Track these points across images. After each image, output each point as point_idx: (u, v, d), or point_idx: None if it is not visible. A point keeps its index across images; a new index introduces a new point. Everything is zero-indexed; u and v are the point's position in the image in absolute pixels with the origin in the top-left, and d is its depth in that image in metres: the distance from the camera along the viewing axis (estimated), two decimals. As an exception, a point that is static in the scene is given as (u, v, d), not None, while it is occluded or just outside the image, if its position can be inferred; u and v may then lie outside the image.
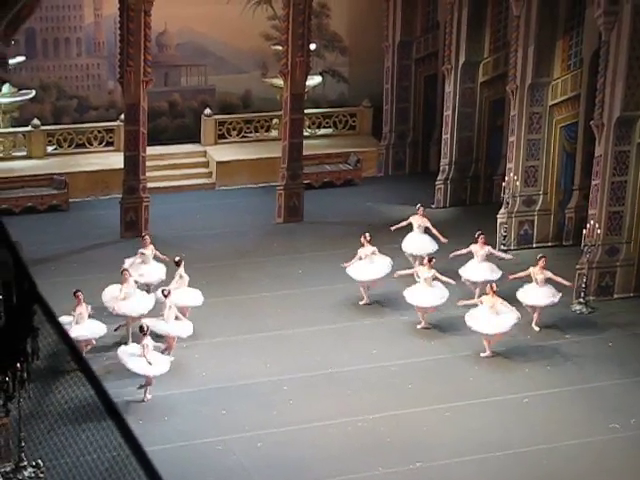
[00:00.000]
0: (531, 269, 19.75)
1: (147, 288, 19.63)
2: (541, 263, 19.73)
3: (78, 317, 17.61)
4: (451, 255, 20.78)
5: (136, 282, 19.11)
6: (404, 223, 21.69)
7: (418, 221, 21.59)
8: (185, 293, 19.35)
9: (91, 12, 27.57)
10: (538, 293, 19.68)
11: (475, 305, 19.10)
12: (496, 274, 20.36)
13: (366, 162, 27.89)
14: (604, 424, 16.78)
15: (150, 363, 17.06)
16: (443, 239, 21.31)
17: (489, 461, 15.81)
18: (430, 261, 19.82)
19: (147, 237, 20.47)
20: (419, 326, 19.81)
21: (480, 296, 19.52)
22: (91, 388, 4.81)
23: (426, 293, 19.68)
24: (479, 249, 20.58)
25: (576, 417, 17.08)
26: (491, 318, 18.66)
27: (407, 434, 16.44)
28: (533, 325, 19.70)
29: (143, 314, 18.53)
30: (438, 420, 16.83)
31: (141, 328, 17.45)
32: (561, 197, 23.51)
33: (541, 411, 17.18)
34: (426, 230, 21.54)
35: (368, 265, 20.54)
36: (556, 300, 19.66)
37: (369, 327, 19.85)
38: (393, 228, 21.73)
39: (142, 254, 19.92)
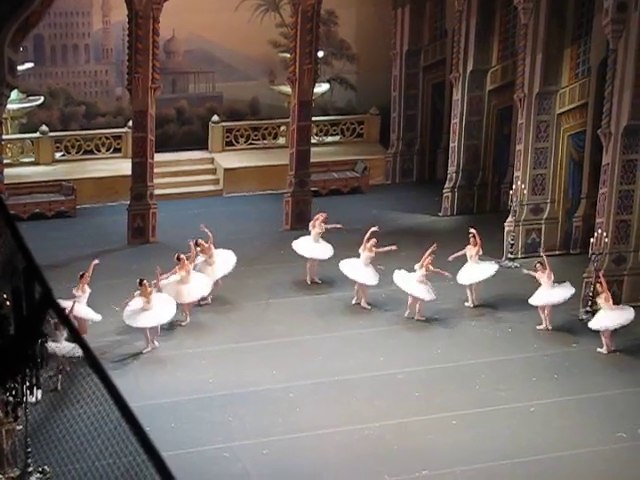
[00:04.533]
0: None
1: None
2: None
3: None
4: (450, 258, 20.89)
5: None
6: (459, 253, 21.23)
7: (471, 251, 21.14)
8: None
9: (99, 19, 27.64)
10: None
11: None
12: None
13: (373, 170, 27.91)
14: (611, 433, 16.74)
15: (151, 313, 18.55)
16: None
17: (496, 469, 15.78)
18: (370, 241, 20.69)
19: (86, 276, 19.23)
20: (353, 301, 20.84)
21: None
22: (107, 394, 4.83)
23: (363, 270, 20.65)
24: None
25: (583, 426, 17.04)
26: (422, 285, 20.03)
27: (413, 442, 16.42)
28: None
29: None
30: (445, 428, 16.81)
31: (140, 282, 18.62)
32: (568, 205, 23.49)
33: (548, 420, 17.15)
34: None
35: (314, 244, 21.55)
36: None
37: (376, 334, 19.84)
38: (451, 258, 21.05)
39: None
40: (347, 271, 20.83)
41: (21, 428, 14.52)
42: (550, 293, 20.08)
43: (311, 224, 21.97)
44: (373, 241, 20.73)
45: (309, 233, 21.91)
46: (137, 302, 18.77)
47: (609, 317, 19.31)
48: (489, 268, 20.97)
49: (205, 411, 17.11)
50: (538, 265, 20.40)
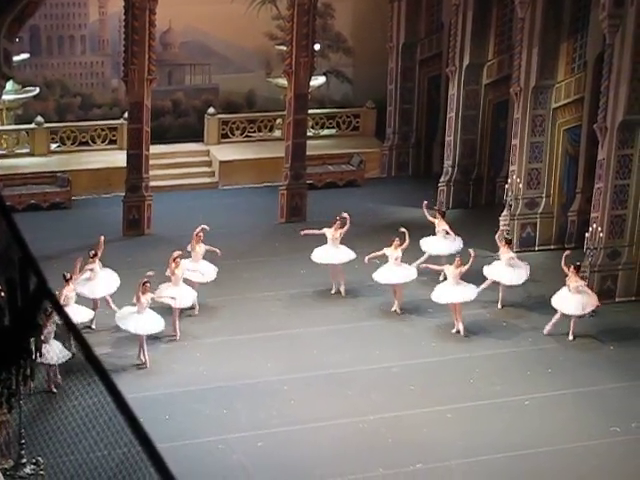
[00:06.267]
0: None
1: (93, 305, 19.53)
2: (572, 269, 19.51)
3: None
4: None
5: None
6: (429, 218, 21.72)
7: (438, 226, 21.53)
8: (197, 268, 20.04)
9: (96, 10, 27.61)
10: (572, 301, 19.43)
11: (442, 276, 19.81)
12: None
13: (369, 163, 27.90)
14: (605, 427, 16.77)
15: (142, 320, 17.92)
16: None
17: (490, 463, 15.81)
18: (397, 242, 20.23)
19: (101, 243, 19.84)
20: (393, 308, 20.27)
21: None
22: (103, 386, 4.82)
23: (395, 272, 20.09)
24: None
25: (577, 420, 17.07)
26: (455, 289, 19.39)
27: (408, 435, 16.43)
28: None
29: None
30: (439, 422, 16.83)
31: (144, 283, 18.08)
32: (564, 200, 23.50)
33: (542, 414, 17.17)
34: (446, 233, 21.54)
35: (333, 250, 20.83)
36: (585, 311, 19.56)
37: (371, 328, 19.84)
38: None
39: (91, 270, 19.40)
40: (384, 280, 20.19)
41: (15, 419, 14.53)
42: (504, 271, 20.27)
43: (330, 232, 20.98)
44: (397, 240, 20.25)
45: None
46: (129, 307, 18.35)
47: (574, 303, 19.34)
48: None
49: (200, 403, 17.11)
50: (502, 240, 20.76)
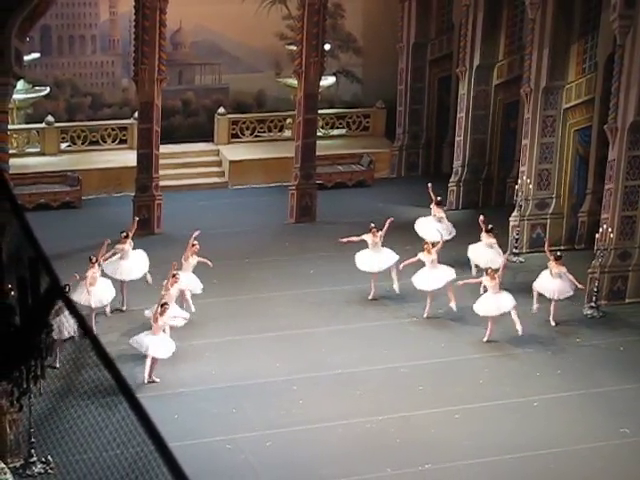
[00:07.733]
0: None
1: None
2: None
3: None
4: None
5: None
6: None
7: (434, 212, 22.19)
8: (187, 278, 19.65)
9: (106, 9, 27.65)
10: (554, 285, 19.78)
11: (479, 286, 19.61)
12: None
13: (379, 163, 27.89)
14: (614, 428, 16.74)
15: (155, 343, 17.55)
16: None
17: (498, 464, 15.79)
18: (432, 245, 20.25)
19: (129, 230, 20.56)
20: (424, 315, 20.10)
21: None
22: (116, 386, 4.83)
23: (433, 276, 19.98)
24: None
25: (586, 421, 17.05)
26: (494, 300, 19.15)
27: (416, 436, 16.43)
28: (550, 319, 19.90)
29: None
30: (448, 422, 16.82)
31: (163, 305, 17.73)
32: (574, 201, 23.47)
33: (551, 415, 17.15)
34: (441, 220, 22.11)
35: (377, 256, 20.72)
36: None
37: (380, 328, 19.84)
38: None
39: (122, 250, 20.01)
40: (423, 286, 19.99)
41: (26, 417, 14.55)
42: (483, 253, 20.81)
43: (369, 237, 20.73)
44: (428, 244, 20.29)
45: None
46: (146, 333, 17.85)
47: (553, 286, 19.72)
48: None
49: (208, 403, 17.13)
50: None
